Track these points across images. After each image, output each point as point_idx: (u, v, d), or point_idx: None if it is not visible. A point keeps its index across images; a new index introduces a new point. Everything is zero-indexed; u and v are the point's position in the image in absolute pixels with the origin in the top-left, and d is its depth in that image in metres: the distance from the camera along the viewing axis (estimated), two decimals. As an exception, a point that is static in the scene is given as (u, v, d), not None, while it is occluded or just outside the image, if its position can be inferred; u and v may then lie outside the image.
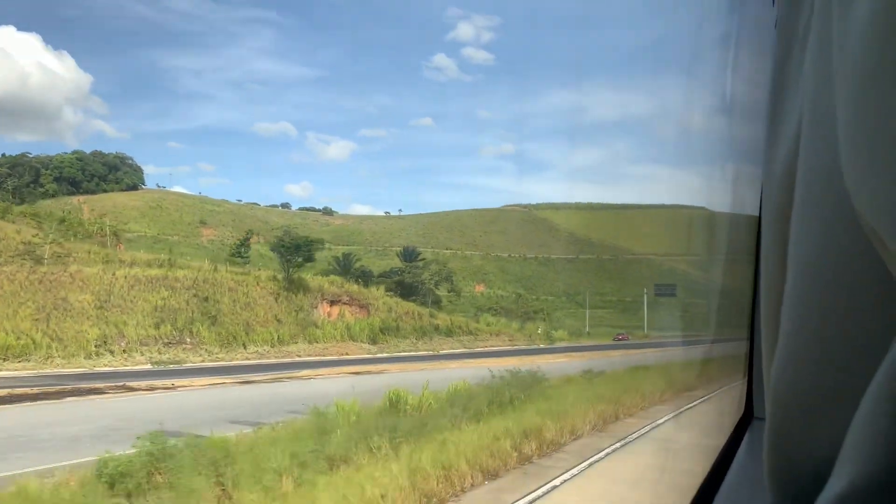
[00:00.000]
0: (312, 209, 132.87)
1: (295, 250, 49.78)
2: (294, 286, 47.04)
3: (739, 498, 1.66)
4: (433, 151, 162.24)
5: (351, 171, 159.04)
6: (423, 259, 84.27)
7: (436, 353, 46.72)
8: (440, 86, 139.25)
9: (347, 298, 50.17)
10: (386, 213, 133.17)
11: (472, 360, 37.71)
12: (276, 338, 40.86)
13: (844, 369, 0.50)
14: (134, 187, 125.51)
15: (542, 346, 59.34)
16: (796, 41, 0.62)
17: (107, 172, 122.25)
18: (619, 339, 71.49)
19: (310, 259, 50.66)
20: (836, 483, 0.42)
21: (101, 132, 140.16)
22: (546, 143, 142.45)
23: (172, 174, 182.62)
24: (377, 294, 53.76)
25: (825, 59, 0.48)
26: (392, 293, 55.75)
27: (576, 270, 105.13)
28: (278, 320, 43.01)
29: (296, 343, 41.80)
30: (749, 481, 1.71)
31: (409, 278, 60.10)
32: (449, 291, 75.91)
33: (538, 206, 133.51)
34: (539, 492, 9.09)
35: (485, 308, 78.84)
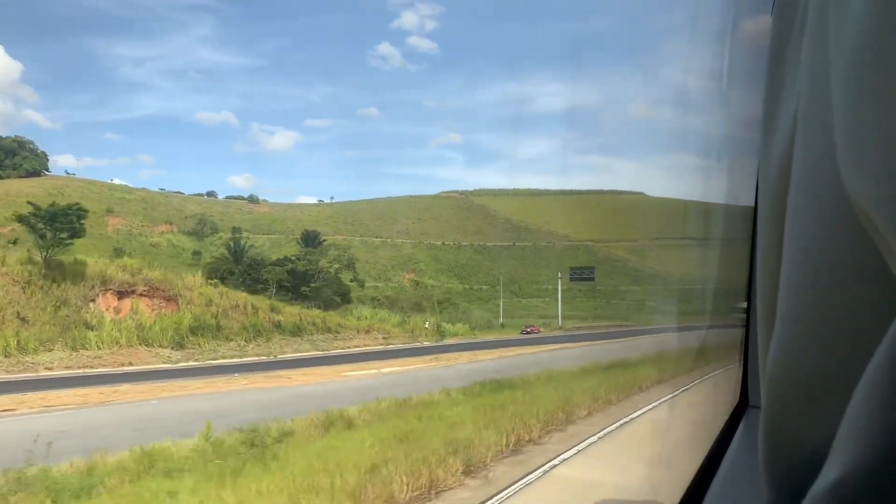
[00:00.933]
0: (239, 197, 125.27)
1: (50, 221, 35.90)
2: (57, 272, 34.68)
3: (735, 485, 1.65)
4: (381, 142, 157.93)
5: (296, 161, 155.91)
6: (324, 244, 76.11)
7: (273, 358, 37.44)
8: (386, 75, 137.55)
9: (145, 288, 37.53)
10: (319, 200, 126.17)
11: (321, 370, 31.91)
12: (12, 344, 29.55)
13: (839, 358, 0.50)
14: (36, 173, 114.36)
15: (427, 343, 49.29)
16: (793, 32, 0.62)
17: (3, 157, 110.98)
18: (528, 333, 63.37)
19: (77, 234, 37.71)
20: (831, 471, 0.42)
21: (33, 123, 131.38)
22: (494, 133, 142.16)
23: (110, 165, 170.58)
24: (193, 282, 41.40)
25: (821, 51, 0.48)
26: (218, 281, 44.49)
27: (512, 258, 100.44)
28: (22, 319, 31.98)
29: (49, 351, 30.67)
30: (744, 468, 1.70)
31: (304, 266, 52.48)
32: (351, 280, 67.72)
33: (475, 193, 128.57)
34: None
35: (383, 301, 70.67)
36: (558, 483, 8.90)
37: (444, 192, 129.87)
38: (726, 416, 2.45)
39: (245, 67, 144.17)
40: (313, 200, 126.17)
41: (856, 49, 0.39)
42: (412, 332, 52.55)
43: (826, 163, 0.47)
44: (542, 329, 66.05)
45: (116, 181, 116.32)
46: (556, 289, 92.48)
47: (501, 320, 73.18)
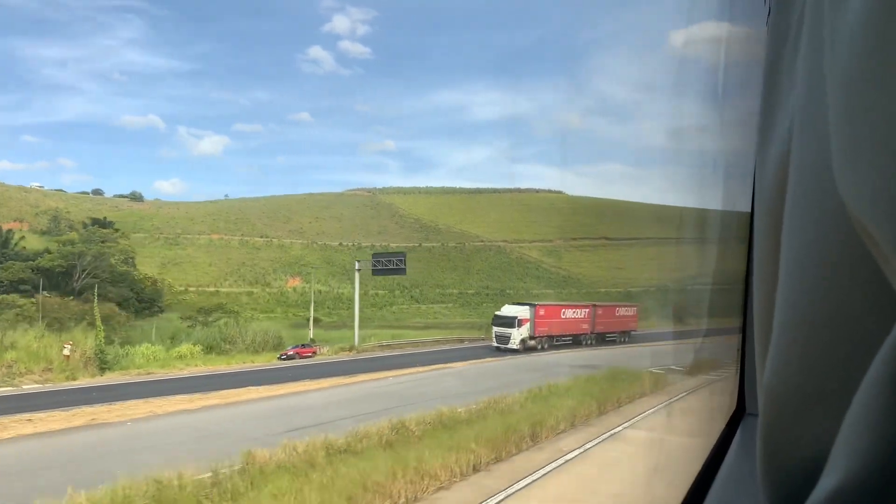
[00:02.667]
0: (122, 196, 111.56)
1: None
2: None
3: (732, 493, 1.68)
4: (313, 148, 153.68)
5: (226, 167, 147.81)
6: (73, 238, 59.77)
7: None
8: (318, 79, 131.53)
9: None
10: (213, 200, 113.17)
11: None
12: None
13: (837, 366, 0.49)
14: None
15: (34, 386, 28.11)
16: (788, 40, 0.62)
17: None
18: (289, 357, 40.13)
19: None
20: (829, 479, 0.41)
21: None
22: (430, 140, 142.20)
23: (26, 170, 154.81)
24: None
25: (816, 60, 0.48)
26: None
27: (417, 260, 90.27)
28: None
29: None
30: (742, 476, 1.73)
31: (50, 262, 38.58)
32: (114, 284, 46.19)
33: (384, 191, 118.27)
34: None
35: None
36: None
37: (350, 190, 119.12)
38: (723, 424, 2.44)
39: (174, 71, 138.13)
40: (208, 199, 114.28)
41: (851, 58, 0.39)
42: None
43: (822, 171, 0.46)
44: (321, 349, 44.31)
45: (34, 185, 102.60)
46: (463, 292, 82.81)
47: (311, 335, 53.13)
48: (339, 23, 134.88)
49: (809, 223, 0.51)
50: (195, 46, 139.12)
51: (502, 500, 8.50)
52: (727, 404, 2.61)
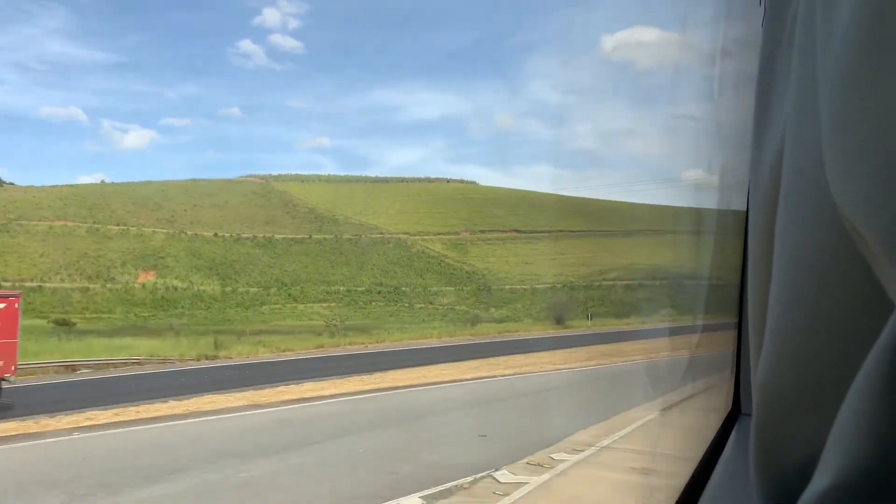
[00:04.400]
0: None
1: None
2: None
3: (727, 493, 1.67)
4: (244, 144, 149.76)
5: (153, 162, 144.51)
6: None
7: None
8: (249, 74, 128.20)
9: None
10: (74, 184, 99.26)
11: None
12: None
13: (830, 365, 0.50)
14: None
15: None
16: (782, 42, 0.62)
17: None
18: None
19: None
20: (821, 478, 0.42)
21: None
22: (366, 139, 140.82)
23: None
24: None
25: (809, 62, 0.48)
26: None
27: (304, 253, 79.99)
28: None
29: None
30: (737, 477, 1.70)
31: None
32: None
33: (280, 178, 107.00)
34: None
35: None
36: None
37: (243, 177, 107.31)
38: (718, 424, 2.43)
39: (99, 63, 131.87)
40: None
41: (842, 61, 0.39)
42: None
43: (815, 172, 0.47)
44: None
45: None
46: (352, 289, 73.06)
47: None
48: (270, 16, 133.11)
49: (802, 224, 0.51)
50: (122, 38, 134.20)
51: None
52: (722, 405, 2.60)
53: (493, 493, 8.39)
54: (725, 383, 2.61)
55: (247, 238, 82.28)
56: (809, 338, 0.51)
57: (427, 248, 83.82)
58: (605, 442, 11.47)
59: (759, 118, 0.68)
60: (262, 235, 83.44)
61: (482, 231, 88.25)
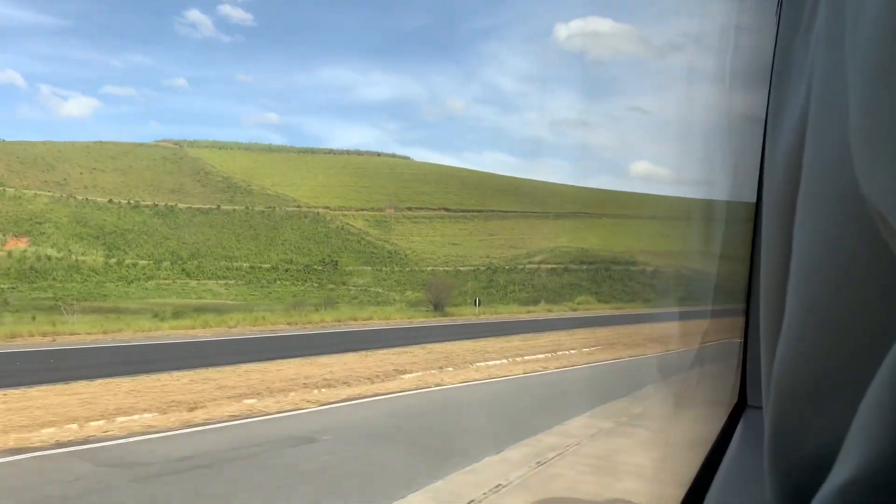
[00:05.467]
0: None
1: None
2: None
3: (735, 486, 1.69)
4: (190, 117, 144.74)
5: (93, 131, 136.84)
6: None
7: None
8: (196, 44, 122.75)
9: None
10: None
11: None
12: None
13: (849, 359, 0.49)
14: None
15: None
16: (799, 29, 0.61)
17: None
18: None
19: None
20: (840, 473, 0.41)
21: None
22: (317, 117, 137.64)
23: None
24: None
25: (833, 48, 0.47)
26: None
27: (209, 225, 72.85)
28: None
29: None
30: (745, 469, 1.73)
31: None
32: None
33: (195, 143, 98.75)
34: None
35: None
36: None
37: (155, 141, 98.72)
38: (724, 416, 2.47)
39: (40, 27, 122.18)
40: None
41: (874, 48, 0.38)
42: None
43: (839, 161, 0.46)
44: None
45: None
46: (257, 266, 66.63)
47: None
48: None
49: (824, 215, 0.50)
50: (64, 3, 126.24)
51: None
52: (728, 397, 2.64)
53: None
54: (731, 375, 2.61)
55: (146, 206, 74.58)
56: (829, 331, 0.50)
57: (347, 224, 77.79)
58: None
59: (773, 108, 0.66)
60: (163, 204, 75.82)
61: (409, 208, 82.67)
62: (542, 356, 18.95)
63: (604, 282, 58.54)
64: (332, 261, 68.53)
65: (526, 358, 18.53)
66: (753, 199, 2.08)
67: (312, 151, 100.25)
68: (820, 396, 0.52)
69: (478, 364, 17.07)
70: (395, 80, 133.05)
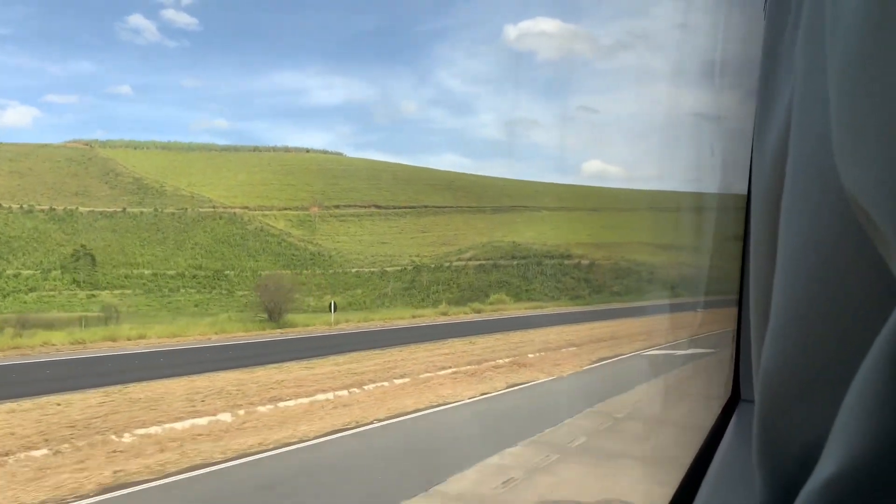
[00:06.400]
0: None
1: None
2: None
3: (728, 480, 1.70)
4: (136, 124, 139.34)
5: (35, 141, 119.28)
6: None
7: None
8: (140, 50, 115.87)
9: None
10: None
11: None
12: None
13: (835, 352, 0.49)
14: None
15: None
16: (787, 25, 0.62)
17: None
18: None
19: None
20: (825, 466, 0.41)
21: None
22: (267, 122, 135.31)
23: None
24: None
25: (816, 45, 0.47)
26: None
27: (111, 229, 66.30)
28: None
29: None
30: (737, 463, 1.75)
31: None
32: None
33: (108, 143, 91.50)
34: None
35: None
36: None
37: (66, 142, 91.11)
38: (717, 410, 2.48)
39: None
40: None
41: (852, 43, 0.39)
42: None
43: (822, 156, 0.46)
44: None
45: None
46: (161, 273, 60.59)
47: None
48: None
49: (808, 208, 0.50)
50: (3, 9, 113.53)
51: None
52: (721, 391, 2.64)
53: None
54: (724, 369, 2.58)
55: (41, 210, 67.58)
56: (815, 325, 0.50)
57: (267, 224, 72.11)
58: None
59: (762, 103, 0.66)
60: (62, 208, 68.91)
61: (337, 206, 77.41)
62: (333, 395, 13.10)
63: (535, 278, 54.40)
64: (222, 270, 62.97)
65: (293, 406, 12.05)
66: (744, 193, 2.10)
67: (236, 149, 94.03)
68: (806, 391, 0.52)
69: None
70: (348, 83, 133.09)
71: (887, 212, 0.36)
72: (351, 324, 29.61)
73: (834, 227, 0.47)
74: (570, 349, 20.42)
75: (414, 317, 32.96)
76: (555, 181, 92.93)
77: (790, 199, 0.53)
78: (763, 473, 0.59)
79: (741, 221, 2.30)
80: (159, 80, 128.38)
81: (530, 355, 18.56)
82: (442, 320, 31.50)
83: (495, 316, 32.75)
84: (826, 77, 0.43)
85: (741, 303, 2.37)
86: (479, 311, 35.81)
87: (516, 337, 23.34)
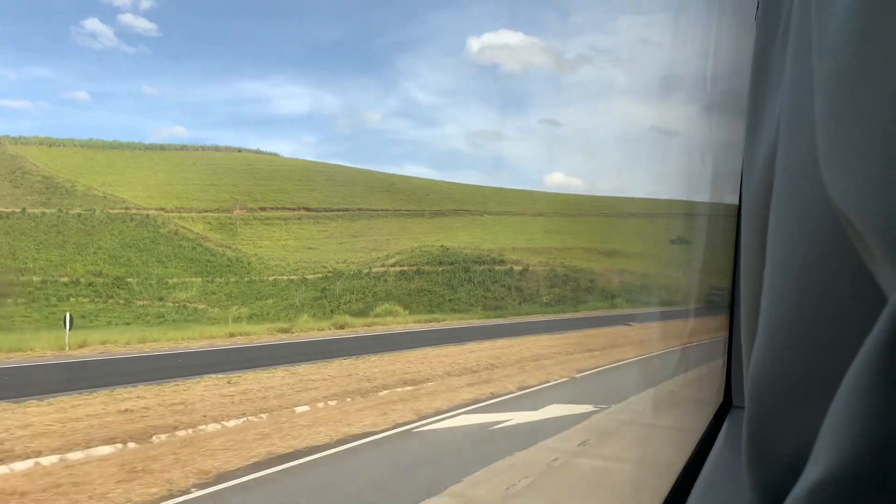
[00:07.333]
0: None
1: None
2: None
3: (718, 486, 1.70)
4: (93, 131, 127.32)
5: None
6: None
7: None
8: (97, 55, 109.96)
9: None
10: None
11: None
12: None
13: (822, 359, 0.50)
14: None
15: None
16: (776, 36, 0.62)
17: None
18: None
19: None
20: (812, 472, 0.42)
21: None
22: (229, 131, 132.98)
23: None
24: None
25: (804, 56, 0.48)
26: None
27: (3, 232, 59.97)
28: None
29: None
30: (728, 469, 1.75)
31: None
32: None
33: (20, 140, 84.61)
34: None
35: None
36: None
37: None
38: (709, 416, 2.47)
39: None
40: None
41: (837, 55, 0.39)
42: None
43: (809, 165, 0.47)
44: None
45: None
46: (52, 280, 54.58)
47: None
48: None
49: (796, 218, 0.51)
50: None
51: None
52: (713, 397, 2.61)
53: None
54: (716, 375, 2.56)
55: (-75, 211, 60.99)
56: (802, 331, 0.51)
57: (183, 227, 66.45)
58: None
59: (752, 113, 0.67)
60: (-49, 208, 62.34)
61: (263, 208, 72.11)
62: None
63: (461, 286, 49.89)
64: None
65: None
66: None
67: (162, 148, 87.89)
68: (794, 397, 0.53)
69: None
70: (312, 93, 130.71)
71: (872, 223, 0.36)
72: (85, 350, 19.62)
73: (821, 237, 0.47)
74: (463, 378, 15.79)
75: (283, 332, 25.56)
76: (509, 187, 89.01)
77: (778, 208, 0.53)
78: (752, 478, 0.59)
79: (730, 231, 2.28)
80: (117, 87, 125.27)
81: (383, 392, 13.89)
82: (334, 335, 26.18)
83: (383, 330, 27.63)
84: (814, 89, 0.44)
85: (732, 311, 2.32)
86: (341, 327, 28.62)
87: (384, 363, 18.40)
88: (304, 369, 16.59)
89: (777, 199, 0.53)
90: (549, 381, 16.03)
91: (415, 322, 30.64)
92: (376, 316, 34.11)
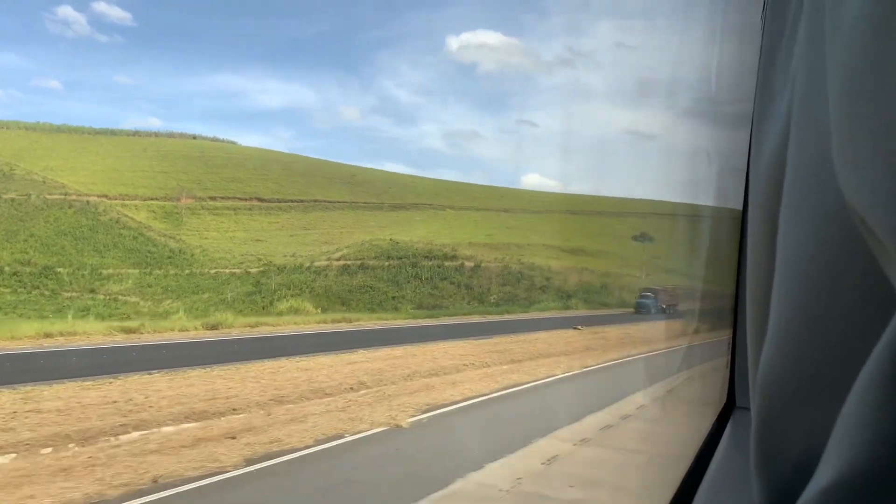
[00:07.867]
0: None
1: None
2: None
3: (723, 487, 1.70)
4: (65, 120, 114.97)
5: None
6: None
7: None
8: (69, 44, 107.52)
9: None
10: None
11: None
12: None
13: (833, 361, 0.49)
14: None
15: None
16: (784, 33, 0.62)
17: None
18: None
19: None
20: (824, 474, 0.41)
21: None
22: (204, 124, 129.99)
23: None
24: None
25: (815, 53, 0.48)
26: None
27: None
28: None
29: None
30: (733, 470, 1.75)
31: None
32: None
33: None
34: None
35: None
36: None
37: None
38: (713, 418, 2.49)
39: None
40: None
41: (852, 51, 0.38)
42: None
43: (821, 165, 0.46)
44: None
45: None
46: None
47: None
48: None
49: (807, 218, 0.50)
50: None
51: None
52: (717, 398, 2.63)
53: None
54: (720, 377, 2.57)
55: None
56: (813, 333, 0.50)
57: (125, 216, 63.07)
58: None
59: (758, 114, 0.66)
60: None
61: (212, 198, 68.88)
62: None
63: (407, 282, 47.32)
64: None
65: None
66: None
67: (112, 133, 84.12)
68: (805, 398, 0.52)
69: None
70: (288, 87, 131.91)
71: (886, 220, 0.36)
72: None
73: (833, 235, 0.47)
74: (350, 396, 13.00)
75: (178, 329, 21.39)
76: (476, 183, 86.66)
77: (788, 208, 0.52)
78: (761, 480, 0.59)
79: (735, 231, 2.31)
80: (90, 76, 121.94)
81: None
82: (197, 336, 21.40)
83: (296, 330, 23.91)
84: (825, 84, 0.43)
85: (736, 312, 2.34)
86: (214, 327, 23.21)
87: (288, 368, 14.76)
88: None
89: (787, 199, 0.52)
90: (378, 428, 10.34)
91: (319, 322, 27.01)
92: (279, 314, 31.21)
